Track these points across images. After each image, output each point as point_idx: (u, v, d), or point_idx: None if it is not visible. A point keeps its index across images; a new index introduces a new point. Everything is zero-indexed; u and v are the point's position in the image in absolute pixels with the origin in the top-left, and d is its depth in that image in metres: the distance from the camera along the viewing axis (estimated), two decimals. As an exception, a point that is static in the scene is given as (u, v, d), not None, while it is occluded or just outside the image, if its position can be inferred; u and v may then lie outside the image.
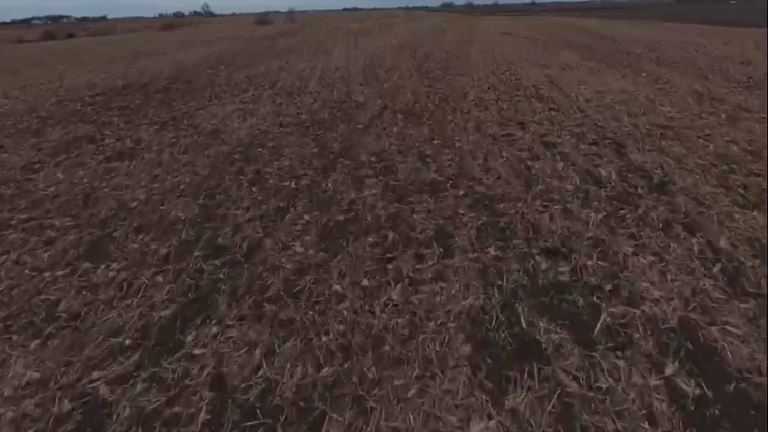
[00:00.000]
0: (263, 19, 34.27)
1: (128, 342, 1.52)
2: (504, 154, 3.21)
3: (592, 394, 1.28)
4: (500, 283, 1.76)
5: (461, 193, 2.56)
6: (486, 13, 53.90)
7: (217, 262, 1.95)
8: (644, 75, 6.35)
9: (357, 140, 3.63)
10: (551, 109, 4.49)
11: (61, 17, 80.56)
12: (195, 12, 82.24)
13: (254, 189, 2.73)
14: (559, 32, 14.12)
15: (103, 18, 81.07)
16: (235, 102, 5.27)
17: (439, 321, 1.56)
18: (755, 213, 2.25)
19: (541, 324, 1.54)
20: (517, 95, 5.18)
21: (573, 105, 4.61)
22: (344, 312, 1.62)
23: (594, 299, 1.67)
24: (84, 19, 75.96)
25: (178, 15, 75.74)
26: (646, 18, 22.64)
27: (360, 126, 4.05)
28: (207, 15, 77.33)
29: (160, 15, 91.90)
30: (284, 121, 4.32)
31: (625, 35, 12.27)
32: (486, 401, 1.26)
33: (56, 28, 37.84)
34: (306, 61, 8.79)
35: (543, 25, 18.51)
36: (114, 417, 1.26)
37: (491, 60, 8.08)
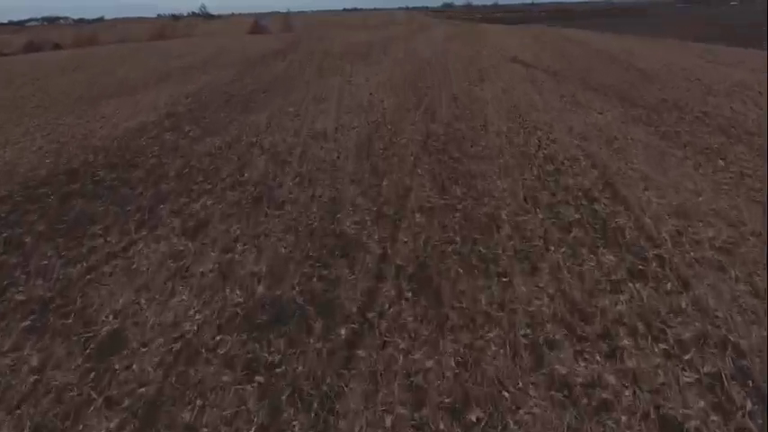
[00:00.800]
0: (259, 24, 32.46)
1: None
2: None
3: None
4: None
5: None
6: (486, 17, 51.82)
7: None
8: (721, 163, 4.77)
9: (344, 404, 2.06)
10: (633, 275, 2.92)
11: (58, 18, 78.13)
12: (193, 13, 79.85)
13: None
14: (574, 56, 12.45)
15: (101, 19, 78.59)
16: (174, 231, 3.68)
17: None
18: None
19: None
20: (569, 221, 3.60)
21: (662, 262, 3.04)
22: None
23: None
24: (82, 20, 73.56)
25: (176, 17, 73.48)
26: (657, 33, 20.97)
27: (342, 334, 2.47)
28: (205, 17, 75.05)
29: (158, 16, 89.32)
30: (230, 305, 2.74)
31: (652, 65, 10.62)
32: None
33: (44, 34, 36.14)
34: (291, 118, 7.16)
35: (553, 43, 16.81)
36: None
37: (514, 120, 6.48)
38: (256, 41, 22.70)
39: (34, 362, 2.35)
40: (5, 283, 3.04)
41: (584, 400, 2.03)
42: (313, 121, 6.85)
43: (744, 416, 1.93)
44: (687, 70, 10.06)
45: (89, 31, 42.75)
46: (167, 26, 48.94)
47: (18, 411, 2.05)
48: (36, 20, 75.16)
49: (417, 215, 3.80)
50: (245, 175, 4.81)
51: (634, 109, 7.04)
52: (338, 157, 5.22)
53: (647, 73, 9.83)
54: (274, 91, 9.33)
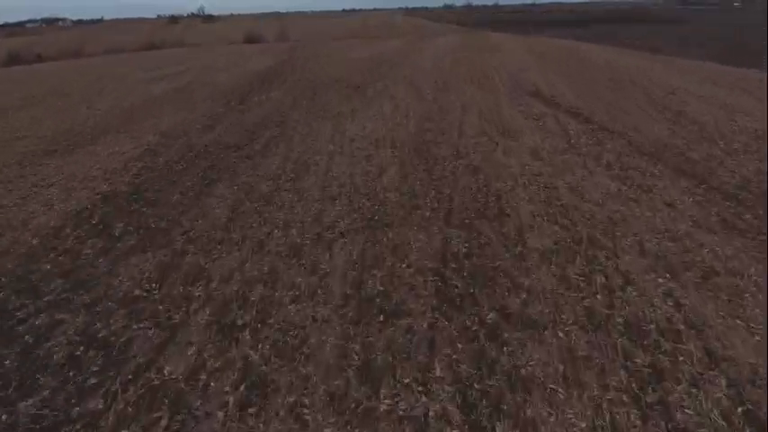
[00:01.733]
0: (253, 33, 30.50)
1: None
2: None
3: None
4: None
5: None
6: (481, 20, 49.40)
7: None
8: None
9: None
10: None
11: (57, 20, 75.50)
12: (192, 14, 77.39)
13: None
14: (601, 88, 10.54)
15: (100, 20, 76.04)
16: None
17: None
18: None
19: None
20: None
21: None
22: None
23: None
24: (81, 21, 71.00)
25: (175, 18, 71.14)
26: (672, 47, 19.07)
27: None
28: (205, 18, 72.69)
29: (158, 17, 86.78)
30: None
31: (698, 107, 8.76)
32: None
33: (36, 40, 34.36)
34: (261, 208, 5.33)
35: (571, 65, 14.89)
36: None
37: (558, 221, 4.66)
38: (247, 57, 20.74)
39: None
40: None
41: None
42: (287, 217, 5.02)
43: None
44: (743, 116, 8.20)
45: (82, 36, 40.87)
46: (163, 30, 46.93)
47: None
48: (35, 21, 72.59)
49: None
50: (165, 368, 3.00)
51: (710, 195, 5.21)
52: (314, 319, 3.40)
53: (700, 122, 7.97)
54: (248, 149, 7.48)
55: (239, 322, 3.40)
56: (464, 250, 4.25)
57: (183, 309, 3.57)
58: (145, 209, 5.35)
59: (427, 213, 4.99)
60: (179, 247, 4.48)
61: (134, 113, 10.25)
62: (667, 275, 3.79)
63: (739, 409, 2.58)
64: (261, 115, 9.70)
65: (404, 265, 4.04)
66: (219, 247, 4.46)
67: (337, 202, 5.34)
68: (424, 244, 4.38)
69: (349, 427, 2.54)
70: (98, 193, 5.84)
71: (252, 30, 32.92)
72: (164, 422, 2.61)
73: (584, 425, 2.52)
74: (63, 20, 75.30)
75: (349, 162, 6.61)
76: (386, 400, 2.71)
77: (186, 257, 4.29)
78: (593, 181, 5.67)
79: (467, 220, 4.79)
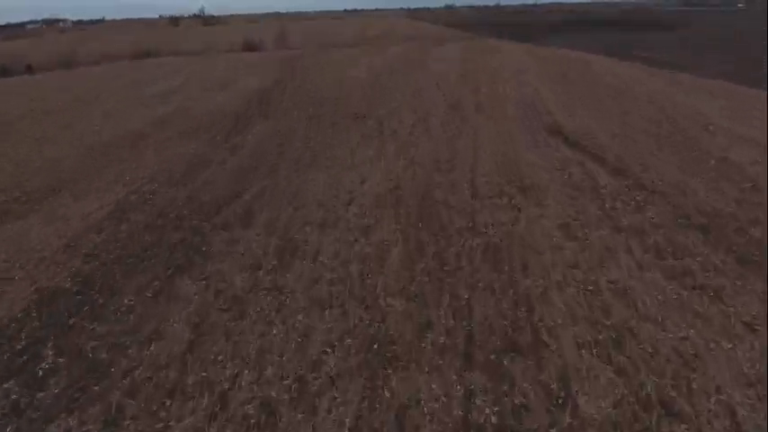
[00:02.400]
0: (252, 40, 29.15)
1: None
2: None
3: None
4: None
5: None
6: (487, 21, 47.73)
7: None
8: None
9: None
10: None
11: (57, 20, 73.64)
12: (195, 14, 75.50)
13: None
14: (627, 120, 9.31)
15: (101, 21, 74.12)
16: None
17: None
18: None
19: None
20: None
21: None
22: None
23: None
24: (81, 22, 69.17)
25: (175, 19, 69.46)
26: (688, 60, 17.75)
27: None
28: (206, 19, 70.92)
29: (160, 17, 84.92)
30: None
31: (741, 150, 7.54)
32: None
33: (22, 46, 33.07)
34: (230, 323, 4.15)
35: (586, 85, 13.61)
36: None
37: (607, 350, 3.48)
38: (244, 69, 19.47)
39: None
40: None
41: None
42: (263, 344, 3.84)
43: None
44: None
45: (80, 38, 39.48)
46: (162, 31, 45.43)
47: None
48: (36, 22, 70.76)
49: None
50: None
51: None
52: None
53: (749, 175, 6.75)
54: (228, 213, 6.28)
55: None
56: (493, 418, 3.08)
57: None
58: (86, 322, 4.18)
59: (441, 339, 3.81)
60: (115, 403, 3.31)
61: (109, 153, 9.06)
62: (786, 485, 2.62)
63: None
64: (247, 157, 8.51)
65: (412, 449, 2.87)
66: (168, 404, 3.29)
67: (327, 313, 4.17)
68: (440, 403, 3.21)
69: None
70: (36, 291, 4.67)
71: (251, 35, 31.51)
72: None
73: None
74: (63, 20, 73.26)
75: (343, 238, 5.42)
76: None
77: (120, 429, 3.12)
78: (644, 279, 4.47)
79: (492, 356, 3.61)
